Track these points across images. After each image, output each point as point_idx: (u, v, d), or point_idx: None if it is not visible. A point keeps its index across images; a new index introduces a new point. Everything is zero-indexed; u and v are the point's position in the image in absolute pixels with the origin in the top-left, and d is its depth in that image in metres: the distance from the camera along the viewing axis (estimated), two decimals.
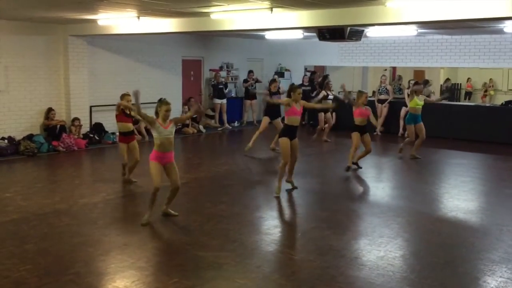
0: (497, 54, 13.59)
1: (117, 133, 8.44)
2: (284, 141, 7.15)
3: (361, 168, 9.09)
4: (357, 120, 8.89)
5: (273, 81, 11.84)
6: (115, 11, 8.66)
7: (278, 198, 7.10)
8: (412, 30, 11.34)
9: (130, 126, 8.06)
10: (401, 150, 10.27)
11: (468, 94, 22.40)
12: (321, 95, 12.08)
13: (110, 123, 11.99)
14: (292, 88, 7.29)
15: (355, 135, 8.90)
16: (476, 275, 4.70)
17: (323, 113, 12.36)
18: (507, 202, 7.29)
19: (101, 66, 12.19)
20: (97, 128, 11.97)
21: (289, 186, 7.59)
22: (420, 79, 16.33)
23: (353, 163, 9.04)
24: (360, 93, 9.00)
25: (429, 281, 4.50)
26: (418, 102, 9.88)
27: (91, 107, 11.85)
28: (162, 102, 5.92)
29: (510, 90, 21.13)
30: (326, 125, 12.48)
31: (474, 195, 7.83)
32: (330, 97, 12.21)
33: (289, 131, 7.18)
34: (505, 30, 10.75)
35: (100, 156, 10.85)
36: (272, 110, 10.62)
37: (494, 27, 10.69)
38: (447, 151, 9.22)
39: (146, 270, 4.70)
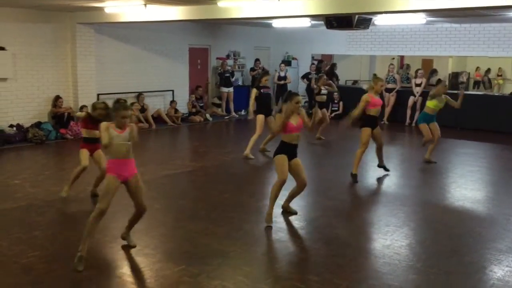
0: (507, 43, 13.46)
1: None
2: (281, 157, 5.58)
3: (389, 170, 8.09)
4: (372, 110, 7.55)
5: (265, 73, 9.58)
6: None
7: (270, 228, 5.53)
8: (421, 19, 11.23)
9: (97, 133, 6.39)
10: (429, 159, 8.87)
11: (477, 83, 22.21)
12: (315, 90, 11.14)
13: None
14: (289, 95, 5.59)
15: (366, 132, 7.58)
16: (483, 264, 4.70)
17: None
18: None
19: (108, 54, 12.20)
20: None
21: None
22: (428, 68, 16.26)
23: (380, 166, 8.05)
24: (376, 79, 7.79)
25: (435, 270, 4.50)
26: (438, 104, 8.56)
27: (98, 94, 11.88)
28: (120, 105, 4.58)
29: None
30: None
31: (481, 184, 7.80)
32: (324, 92, 11.04)
33: (287, 149, 5.60)
34: None
35: None
36: (264, 104, 9.20)
37: (504, 15, 10.56)
38: (455, 140, 9.17)
39: (153, 257, 4.74)
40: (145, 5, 9.03)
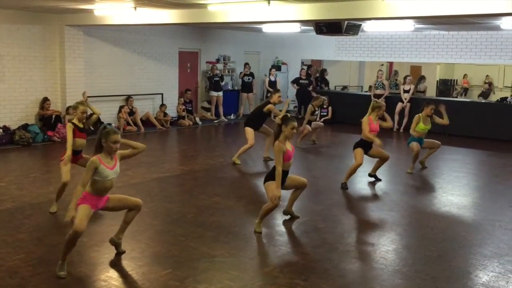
0: (494, 51, 13.62)
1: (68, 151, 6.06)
2: (273, 183, 5.35)
3: (380, 180, 7.99)
4: (368, 137, 7.48)
5: (277, 91, 9.10)
6: (112, 1, 8.62)
7: (260, 234, 5.48)
8: (409, 25, 11.34)
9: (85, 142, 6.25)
10: (423, 164, 8.98)
11: (465, 90, 22.45)
12: (308, 113, 10.91)
13: (106, 114, 11.97)
14: (286, 121, 5.36)
15: (359, 153, 7.51)
16: (468, 269, 4.74)
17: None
18: (499, 197, 7.33)
19: (97, 57, 12.14)
20: None
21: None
22: (417, 75, 16.41)
23: (371, 175, 8.01)
24: (378, 105, 7.64)
25: (422, 275, 4.53)
26: (425, 127, 8.48)
27: (87, 97, 11.79)
28: (109, 130, 4.38)
29: (506, 87, 21.21)
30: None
31: (467, 190, 7.88)
32: (317, 112, 10.68)
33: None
34: (502, 26, 10.77)
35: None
36: (258, 121, 8.97)
37: (491, 23, 10.71)
38: (442, 146, 9.26)
39: (140, 260, 4.71)
40: (135, 8, 9.01)
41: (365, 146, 7.60)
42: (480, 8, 6.13)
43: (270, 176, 5.44)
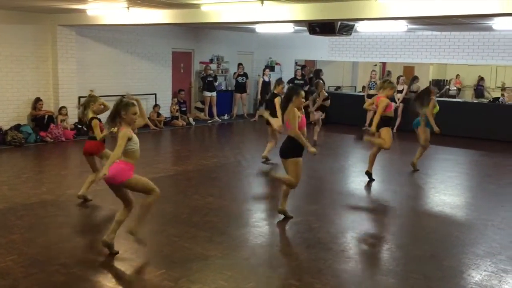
0: (486, 51, 13.70)
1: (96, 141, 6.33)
2: (301, 160, 5.70)
3: (373, 180, 7.95)
4: (390, 112, 7.64)
5: (281, 82, 9.22)
6: (105, 1, 8.59)
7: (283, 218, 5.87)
8: (402, 26, 11.38)
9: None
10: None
11: (457, 91, 22.53)
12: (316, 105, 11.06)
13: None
14: (296, 91, 5.65)
15: (387, 131, 7.58)
16: (461, 268, 4.77)
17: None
18: (491, 197, 7.37)
19: (90, 57, 12.09)
20: None
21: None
22: (410, 75, 16.47)
23: (368, 173, 7.92)
24: (390, 83, 7.73)
25: (414, 274, 4.55)
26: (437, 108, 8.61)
27: (79, 97, 11.76)
28: (127, 103, 4.58)
29: (498, 87, 21.33)
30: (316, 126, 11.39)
31: (460, 190, 7.92)
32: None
33: (300, 149, 5.67)
34: (494, 27, 10.83)
35: None
36: (272, 105, 8.60)
37: (483, 24, 10.77)
38: (434, 146, 9.30)
39: (133, 261, 4.69)
40: (128, 8, 8.98)
41: (390, 123, 7.63)
42: (472, 8, 6.17)
43: (296, 152, 5.60)
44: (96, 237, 5.18)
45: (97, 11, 9.66)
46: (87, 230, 5.43)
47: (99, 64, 12.31)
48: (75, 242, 5.08)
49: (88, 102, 6.40)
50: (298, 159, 5.64)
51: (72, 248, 4.90)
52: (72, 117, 11.53)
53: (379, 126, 7.55)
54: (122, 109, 4.54)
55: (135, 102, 4.63)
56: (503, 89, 21.03)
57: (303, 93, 5.63)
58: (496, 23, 10.20)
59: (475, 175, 9.07)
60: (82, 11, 9.91)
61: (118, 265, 4.62)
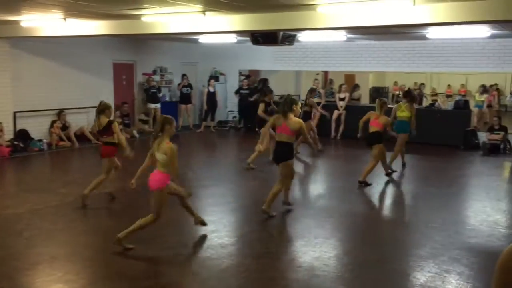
0: (421, 59, 14.30)
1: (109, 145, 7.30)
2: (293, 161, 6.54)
3: (370, 184, 8.21)
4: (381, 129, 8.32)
5: (271, 91, 10.05)
6: (40, 12, 8.25)
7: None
8: (342, 35, 11.68)
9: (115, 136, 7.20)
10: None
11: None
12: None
13: (36, 130, 11.44)
14: (292, 100, 6.39)
15: (382, 147, 8.23)
16: (406, 271, 4.89)
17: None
18: (431, 200, 7.64)
19: (25, 70, 11.58)
20: (22, 135, 11.35)
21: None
22: (351, 83, 16.91)
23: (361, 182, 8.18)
24: (383, 102, 8.49)
25: (362, 280, 4.62)
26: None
27: (15, 112, 11.24)
28: (171, 118, 5.13)
29: (433, 94, 22.32)
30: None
31: (401, 194, 8.17)
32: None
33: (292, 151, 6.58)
34: (428, 36, 11.32)
35: (26, 165, 10.29)
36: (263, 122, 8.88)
37: (418, 33, 11.23)
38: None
39: (75, 282, 4.49)
40: (65, 19, 8.69)
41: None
42: (407, 18, 6.41)
43: (291, 154, 6.43)
44: (33, 259, 4.91)
45: (32, 23, 9.28)
46: (24, 252, 5.14)
47: (36, 77, 11.81)
48: (13, 265, 4.80)
49: (103, 110, 6.86)
50: (291, 161, 6.45)
51: (10, 271, 4.63)
52: (8, 133, 10.99)
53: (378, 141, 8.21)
54: (167, 123, 5.01)
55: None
56: (434, 94, 22.12)
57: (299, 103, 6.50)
58: (429, 32, 10.66)
59: (415, 179, 9.39)
60: (16, 23, 9.49)
61: (60, 287, 4.40)
